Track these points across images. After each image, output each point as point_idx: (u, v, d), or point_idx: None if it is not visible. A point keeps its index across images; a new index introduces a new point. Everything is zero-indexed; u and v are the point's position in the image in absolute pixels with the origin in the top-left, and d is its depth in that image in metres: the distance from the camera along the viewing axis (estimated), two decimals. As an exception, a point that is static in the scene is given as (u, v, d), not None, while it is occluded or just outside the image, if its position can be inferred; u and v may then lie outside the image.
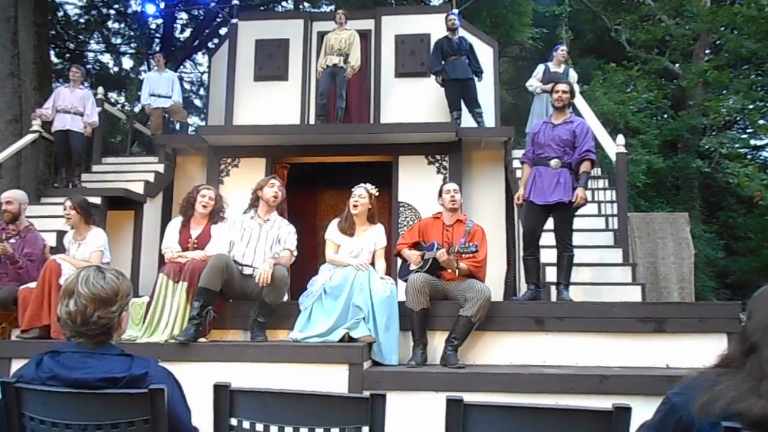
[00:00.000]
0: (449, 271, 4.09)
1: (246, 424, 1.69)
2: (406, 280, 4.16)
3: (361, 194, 4.33)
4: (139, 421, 1.57)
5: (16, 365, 3.62)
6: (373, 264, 4.28)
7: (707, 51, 13.77)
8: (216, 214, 4.47)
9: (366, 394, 1.67)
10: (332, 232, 4.38)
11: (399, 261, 4.52)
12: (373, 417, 1.61)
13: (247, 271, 4.19)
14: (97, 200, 6.16)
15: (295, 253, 4.35)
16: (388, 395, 1.67)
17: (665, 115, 13.65)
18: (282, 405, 1.68)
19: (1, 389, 1.59)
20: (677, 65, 13.42)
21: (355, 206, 4.29)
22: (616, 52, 13.54)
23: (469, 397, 1.60)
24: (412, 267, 4.21)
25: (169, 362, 2.91)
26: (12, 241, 4.64)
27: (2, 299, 4.38)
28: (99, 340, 1.66)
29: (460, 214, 4.37)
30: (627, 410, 1.54)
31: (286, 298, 4.32)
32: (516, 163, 6.12)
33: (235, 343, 3.84)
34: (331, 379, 3.52)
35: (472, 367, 3.79)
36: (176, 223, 4.51)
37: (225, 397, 1.70)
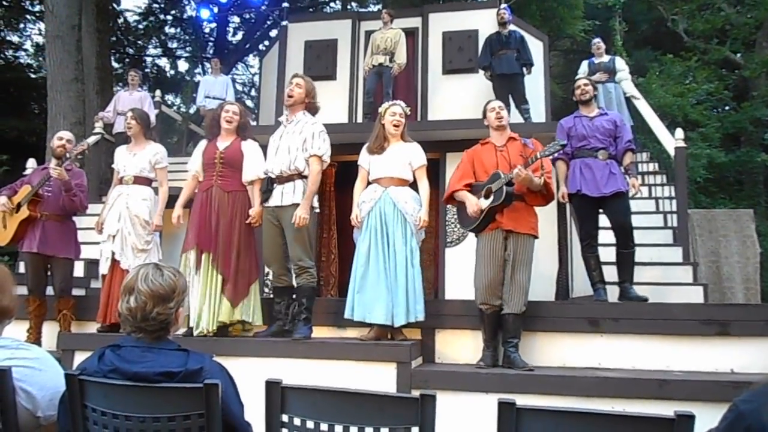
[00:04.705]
0: (528, 189, 3.75)
1: (297, 421, 1.70)
2: (472, 230, 3.90)
3: (400, 113, 4.17)
4: (194, 415, 1.61)
5: (79, 357, 3.80)
6: (414, 185, 4.13)
7: (771, 39, 13.04)
8: (243, 130, 4.27)
9: (415, 393, 1.65)
10: (362, 156, 4.23)
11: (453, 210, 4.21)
12: (424, 417, 1.60)
13: (275, 201, 3.99)
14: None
15: (326, 158, 4.02)
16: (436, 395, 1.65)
17: (727, 107, 13.02)
18: (332, 403, 1.68)
19: (66, 381, 1.67)
20: (739, 55, 12.76)
21: (396, 126, 4.12)
22: (673, 43, 13.02)
23: (519, 400, 1.56)
24: (471, 212, 3.82)
25: (222, 357, 2.98)
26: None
27: (61, 289, 4.56)
28: (157, 335, 1.72)
29: (511, 132, 4.08)
30: (690, 418, 1.46)
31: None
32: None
33: (286, 339, 3.90)
34: (380, 378, 3.52)
35: (522, 369, 3.71)
36: (202, 143, 4.34)
37: (276, 394, 1.72)
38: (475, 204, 3.81)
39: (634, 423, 1.53)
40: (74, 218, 4.83)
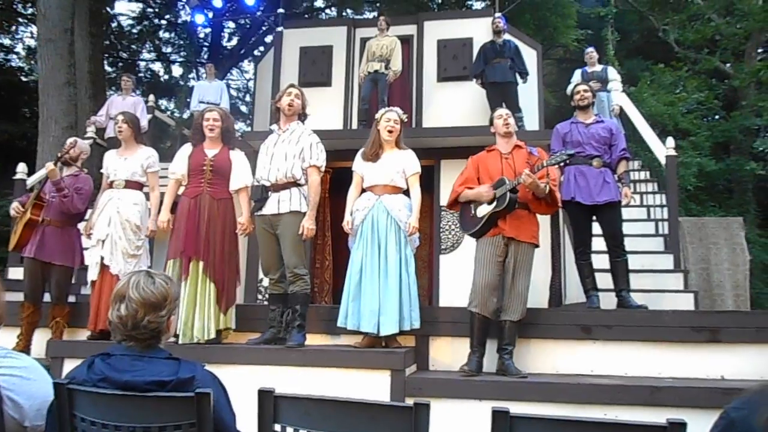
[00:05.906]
0: (535, 196, 3.72)
1: (290, 431, 1.69)
2: (473, 235, 3.90)
3: (395, 119, 4.16)
4: (186, 425, 1.59)
5: (69, 365, 3.76)
6: (408, 193, 4.10)
7: (759, 50, 13.24)
8: (229, 137, 4.22)
9: (409, 402, 1.65)
10: (357, 162, 4.21)
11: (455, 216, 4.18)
12: (417, 426, 1.59)
13: (271, 209, 3.99)
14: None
15: (323, 168, 4.10)
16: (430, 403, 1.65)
17: (717, 117, 13.16)
18: (325, 412, 1.67)
19: (55, 390, 1.65)
20: (728, 65, 12.92)
21: (390, 131, 4.12)
22: (664, 53, 13.16)
23: (513, 407, 1.56)
24: (480, 213, 3.82)
25: (214, 365, 2.96)
26: (67, 173, 4.68)
27: (56, 296, 4.51)
28: (148, 343, 1.70)
29: (517, 140, 4.09)
30: (682, 425, 1.46)
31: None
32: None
33: (280, 347, 3.88)
34: (373, 385, 3.51)
35: (516, 376, 3.72)
36: (187, 147, 4.24)
37: (269, 403, 1.71)
38: (487, 189, 3.80)
39: (627, 430, 1.54)
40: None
